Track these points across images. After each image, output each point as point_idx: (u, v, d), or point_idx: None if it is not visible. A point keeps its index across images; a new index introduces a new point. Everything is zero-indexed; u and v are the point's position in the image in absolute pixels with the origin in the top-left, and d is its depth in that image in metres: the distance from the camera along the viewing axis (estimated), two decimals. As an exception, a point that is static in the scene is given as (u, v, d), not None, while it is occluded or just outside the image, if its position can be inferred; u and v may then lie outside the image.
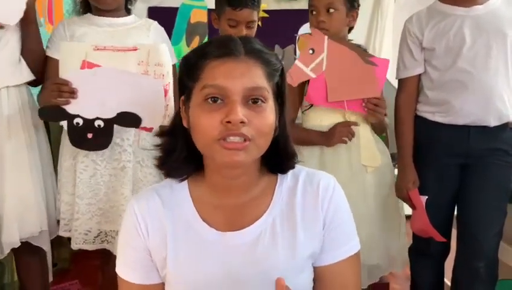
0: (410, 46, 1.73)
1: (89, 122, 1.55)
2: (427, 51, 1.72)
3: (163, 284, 0.93)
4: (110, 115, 1.55)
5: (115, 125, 1.56)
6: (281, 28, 1.90)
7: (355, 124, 1.65)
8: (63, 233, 1.70)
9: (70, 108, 1.53)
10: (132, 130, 1.64)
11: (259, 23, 1.84)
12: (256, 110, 0.83)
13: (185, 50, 2.66)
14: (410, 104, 1.77)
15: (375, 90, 1.64)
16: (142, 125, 1.56)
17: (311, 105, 1.69)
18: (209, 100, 0.82)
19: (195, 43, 2.76)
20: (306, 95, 1.64)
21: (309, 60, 1.62)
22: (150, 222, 0.91)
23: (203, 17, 2.74)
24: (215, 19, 1.83)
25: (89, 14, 1.73)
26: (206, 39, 2.73)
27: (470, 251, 1.71)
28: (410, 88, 1.76)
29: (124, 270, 0.94)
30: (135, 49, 1.56)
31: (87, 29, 1.68)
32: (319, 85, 1.62)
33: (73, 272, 2.43)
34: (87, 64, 1.54)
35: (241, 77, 0.82)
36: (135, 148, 1.66)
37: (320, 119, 1.70)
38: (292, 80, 1.60)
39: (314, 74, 1.62)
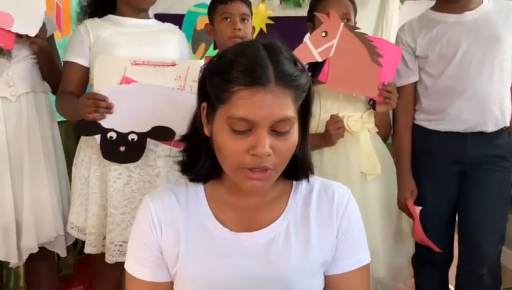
0: (404, 55, 1.72)
1: (122, 136, 1.52)
2: (420, 59, 1.72)
3: (172, 283, 0.93)
4: (145, 129, 1.53)
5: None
6: (286, 34, 1.89)
7: (340, 118, 1.63)
8: (91, 250, 1.62)
9: (105, 122, 1.51)
10: None
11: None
12: (281, 137, 0.82)
13: (191, 57, 2.67)
14: (407, 112, 1.77)
15: (373, 91, 1.62)
16: (176, 139, 1.53)
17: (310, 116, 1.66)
18: (235, 130, 0.81)
19: (201, 50, 2.77)
20: (321, 74, 1.60)
21: (320, 42, 1.58)
22: (163, 220, 0.92)
23: (209, 24, 2.76)
24: (210, 30, 1.82)
25: (110, 16, 1.68)
26: (212, 46, 2.75)
27: (473, 259, 1.70)
28: (407, 96, 1.76)
29: (134, 267, 0.93)
30: (174, 65, 1.54)
31: (112, 30, 1.64)
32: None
33: (78, 278, 2.42)
34: (125, 80, 1.52)
35: (270, 108, 0.79)
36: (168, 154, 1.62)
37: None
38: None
39: (321, 58, 1.59)
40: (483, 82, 1.62)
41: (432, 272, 1.86)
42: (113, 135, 1.52)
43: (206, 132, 0.88)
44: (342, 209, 0.94)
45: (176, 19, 2.29)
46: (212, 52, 2.73)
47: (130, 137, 1.53)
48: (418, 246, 1.82)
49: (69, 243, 1.81)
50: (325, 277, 0.95)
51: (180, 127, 1.47)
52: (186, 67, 1.54)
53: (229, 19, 1.73)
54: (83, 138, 1.68)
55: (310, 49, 1.58)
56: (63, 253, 1.79)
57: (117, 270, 1.63)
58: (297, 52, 1.55)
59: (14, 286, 2.15)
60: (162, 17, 1.82)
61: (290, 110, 0.82)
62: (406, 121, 1.77)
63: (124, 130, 1.53)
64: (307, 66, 1.77)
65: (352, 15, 1.70)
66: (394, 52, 1.67)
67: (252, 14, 1.81)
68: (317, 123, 1.66)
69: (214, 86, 0.83)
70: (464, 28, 1.64)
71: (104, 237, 1.62)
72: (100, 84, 1.52)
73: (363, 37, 1.61)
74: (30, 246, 1.64)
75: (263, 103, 0.79)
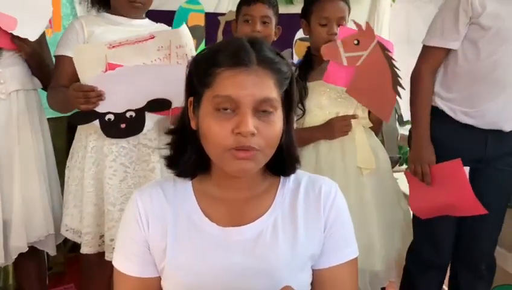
0: (460, 15, 1.53)
1: (120, 115, 1.55)
2: (477, 29, 1.54)
3: (159, 278, 0.94)
4: (140, 104, 1.55)
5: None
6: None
7: (352, 117, 1.66)
8: (88, 250, 1.61)
9: (100, 108, 1.52)
10: (154, 131, 1.63)
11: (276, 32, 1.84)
12: (265, 119, 0.84)
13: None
14: (432, 74, 1.65)
15: (387, 116, 1.65)
16: (173, 106, 1.55)
17: (303, 113, 1.68)
18: (221, 110, 0.83)
19: (193, 46, 2.76)
20: (324, 75, 1.61)
21: (350, 48, 1.59)
22: (151, 215, 0.92)
23: (201, 21, 2.75)
24: (235, 29, 1.85)
25: (104, 14, 1.70)
26: (203, 43, 2.74)
27: (473, 253, 1.72)
28: (437, 60, 1.63)
29: (121, 262, 0.94)
30: (152, 37, 1.51)
31: (106, 28, 1.64)
32: (341, 68, 1.60)
33: (68, 276, 2.41)
34: (109, 66, 1.50)
35: (253, 88, 0.83)
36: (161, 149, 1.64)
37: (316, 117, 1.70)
38: (325, 53, 1.59)
39: (347, 63, 1.59)
40: None
41: (436, 274, 1.81)
42: (111, 116, 1.54)
43: (193, 125, 0.90)
44: (329, 203, 0.94)
45: (167, 16, 2.28)
46: (203, 48, 2.72)
47: (128, 114, 1.55)
48: (421, 247, 1.78)
49: (58, 242, 1.80)
50: (313, 271, 0.95)
51: (174, 96, 1.49)
52: (165, 38, 1.52)
53: (250, 21, 1.75)
54: (75, 139, 1.67)
55: (339, 49, 1.58)
56: (52, 252, 1.78)
57: (106, 269, 1.63)
58: (326, 48, 1.59)
59: (3, 284, 2.13)
60: (153, 14, 1.81)
61: (273, 92, 0.85)
62: (431, 84, 1.63)
63: (120, 111, 1.54)
64: (298, 61, 1.79)
65: (347, 17, 1.71)
66: (391, 48, 1.67)
67: (277, 15, 1.81)
68: (312, 119, 1.69)
69: (200, 73, 0.87)
70: None
71: (100, 237, 1.62)
72: (84, 74, 1.51)
73: (390, 61, 1.63)
74: (19, 245, 1.63)
75: (246, 82, 0.82)
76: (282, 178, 0.97)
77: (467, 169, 1.59)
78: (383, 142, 2.25)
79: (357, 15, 3.12)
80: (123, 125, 1.55)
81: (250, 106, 0.82)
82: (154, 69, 1.52)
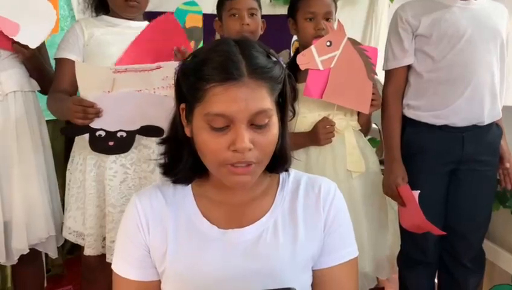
0: (401, 35, 1.66)
1: (111, 134, 1.54)
2: (421, 39, 1.64)
3: (159, 282, 0.93)
4: (133, 127, 1.55)
5: None
6: (276, 32, 1.90)
7: (332, 122, 1.64)
8: (91, 252, 1.61)
9: (93, 123, 1.51)
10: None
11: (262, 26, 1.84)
12: (261, 131, 0.82)
13: (182, 56, 2.65)
14: (398, 96, 1.72)
15: (366, 107, 1.64)
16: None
17: (293, 116, 1.67)
18: (214, 127, 0.81)
19: (190, 48, 2.76)
20: (304, 89, 1.60)
21: (324, 50, 1.59)
22: (151, 219, 0.91)
23: (198, 22, 2.74)
24: (219, 27, 1.83)
25: (104, 16, 1.71)
26: (201, 44, 2.74)
27: (461, 253, 1.73)
28: (399, 80, 1.71)
29: (121, 266, 0.93)
30: (159, 68, 1.48)
31: (106, 30, 1.65)
32: (319, 79, 1.60)
33: (67, 278, 2.41)
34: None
35: (245, 102, 0.79)
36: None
37: (305, 118, 1.69)
38: (301, 63, 1.59)
39: (322, 67, 1.59)
40: (487, 72, 1.60)
41: (425, 273, 1.82)
42: (102, 133, 1.54)
43: (187, 132, 0.88)
44: (328, 203, 0.94)
45: (164, 17, 2.27)
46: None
47: (119, 134, 1.55)
48: (407, 247, 1.80)
49: (60, 244, 1.79)
50: (313, 271, 0.94)
51: (165, 126, 1.52)
52: (172, 68, 1.51)
53: (237, 15, 1.73)
54: (76, 142, 1.67)
55: (314, 55, 1.58)
56: (54, 254, 1.78)
57: (107, 272, 1.62)
58: (301, 57, 1.59)
59: (2, 287, 2.13)
60: (150, 15, 1.81)
61: (266, 102, 0.82)
62: (398, 106, 1.71)
63: (112, 129, 1.54)
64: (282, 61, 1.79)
65: (334, 13, 1.71)
66: (374, 55, 1.68)
67: (260, 8, 1.80)
68: (295, 121, 1.67)
69: (189, 86, 0.84)
70: (470, 15, 1.61)
71: (103, 239, 1.62)
72: (86, 91, 1.50)
73: (362, 52, 1.64)
74: (20, 247, 1.63)
75: (238, 97, 0.79)
76: (281, 179, 0.96)
77: (416, 193, 1.62)
78: (380, 142, 2.26)
79: (355, 17, 3.13)
80: (111, 143, 1.54)
81: (244, 121, 0.80)
82: (155, 98, 1.52)
